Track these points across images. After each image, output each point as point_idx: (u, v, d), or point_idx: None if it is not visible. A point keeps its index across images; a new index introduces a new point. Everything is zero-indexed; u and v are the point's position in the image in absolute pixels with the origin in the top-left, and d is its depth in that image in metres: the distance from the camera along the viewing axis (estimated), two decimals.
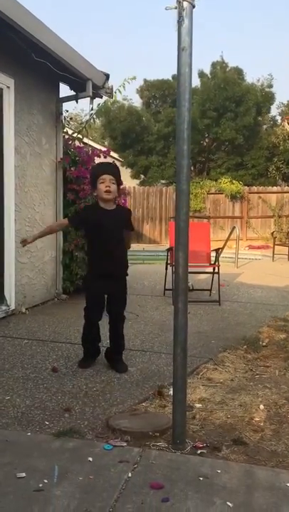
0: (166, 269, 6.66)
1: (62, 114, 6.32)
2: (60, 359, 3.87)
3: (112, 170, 3.58)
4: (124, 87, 6.76)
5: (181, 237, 2.46)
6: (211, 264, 6.80)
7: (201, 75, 19.45)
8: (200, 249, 6.72)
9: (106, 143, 20.64)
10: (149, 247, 14.51)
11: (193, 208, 16.06)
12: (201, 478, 2.18)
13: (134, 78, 6.98)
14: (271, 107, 20.40)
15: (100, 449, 2.41)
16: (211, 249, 6.96)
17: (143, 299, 6.50)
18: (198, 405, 3.03)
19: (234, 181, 16.84)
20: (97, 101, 6.68)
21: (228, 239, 10.36)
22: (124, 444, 2.48)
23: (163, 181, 20.03)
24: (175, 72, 2.45)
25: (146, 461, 2.31)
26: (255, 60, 49.37)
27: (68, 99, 6.27)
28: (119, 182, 3.60)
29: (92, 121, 7.03)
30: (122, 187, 7.40)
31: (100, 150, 7.48)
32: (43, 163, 5.90)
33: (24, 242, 3.71)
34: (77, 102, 6.30)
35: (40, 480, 2.13)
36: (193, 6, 2.36)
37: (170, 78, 19.63)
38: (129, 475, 2.19)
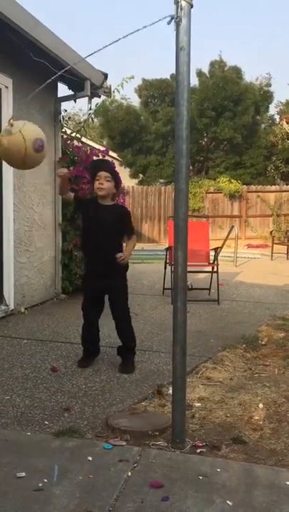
0: (165, 268, 6.67)
1: (60, 113, 6.32)
2: (60, 359, 3.87)
3: (107, 167, 3.66)
4: (122, 86, 6.76)
5: (180, 236, 2.46)
6: (209, 263, 6.81)
7: (200, 74, 19.44)
8: (199, 249, 6.72)
9: (104, 142, 20.63)
10: (148, 246, 14.51)
11: (192, 207, 16.07)
12: (201, 477, 2.18)
13: (133, 77, 6.98)
14: (270, 106, 20.43)
15: (100, 449, 2.42)
16: (210, 248, 6.96)
17: (142, 299, 6.50)
18: (197, 404, 3.03)
19: (233, 180, 16.86)
20: (96, 100, 6.68)
21: (226, 238, 10.34)
22: (124, 443, 2.49)
23: (162, 180, 20.03)
24: (173, 72, 2.45)
25: (145, 460, 2.31)
26: (253, 59, 49.38)
27: (67, 98, 6.26)
28: (116, 178, 3.64)
29: (90, 120, 7.03)
30: (120, 186, 7.41)
31: (99, 149, 7.49)
32: (42, 163, 5.89)
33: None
34: (75, 102, 6.31)
35: (40, 479, 2.13)
36: (192, 6, 2.36)
37: (168, 77, 19.62)
38: (129, 474, 2.19)
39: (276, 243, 12.22)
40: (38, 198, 5.81)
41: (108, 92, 6.35)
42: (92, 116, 7.09)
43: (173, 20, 2.35)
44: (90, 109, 6.68)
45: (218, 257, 6.76)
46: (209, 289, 6.79)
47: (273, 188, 17.15)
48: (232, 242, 11.03)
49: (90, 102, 6.41)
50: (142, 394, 3.19)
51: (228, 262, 10.17)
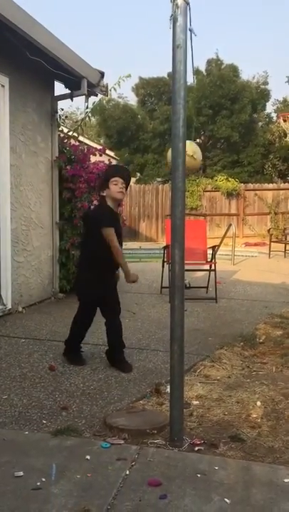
0: (163, 266, 6.67)
1: (57, 112, 6.30)
2: (58, 358, 3.87)
3: (126, 175, 3.67)
4: (119, 84, 6.74)
5: (177, 234, 2.46)
6: (207, 261, 6.81)
7: (197, 72, 19.41)
8: (196, 247, 6.73)
9: (102, 141, 20.61)
10: (145, 245, 14.50)
11: (190, 205, 16.07)
12: (199, 475, 2.18)
13: (129, 76, 6.96)
14: (266, 104, 20.45)
15: (98, 447, 2.42)
16: (208, 246, 6.97)
17: (140, 297, 6.50)
18: (195, 402, 3.04)
19: (230, 179, 16.86)
20: (93, 99, 6.67)
21: (224, 236, 10.36)
22: (122, 441, 2.49)
23: (159, 179, 20.03)
24: (170, 70, 2.45)
25: (143, 459, 2.32)
26: (250, 57, 49.39)
27: (63, 97, 6.25)
28: (127, 186, 3.69)
29: (87, 119, 7.01)
30: None
31: (96, 148, 7.47)
32: (38, 162, 5.89)
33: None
34: (72, 100, 6.29)
35: (38, 479, 2.13)
36: (188, 4, 2.36)
37: (165, 76, 19.60)
38: (127, 472, 2.19)
39: (274, 241, 12.23)
40: (35, 196, 5.81)
41: (105, 91, 6.34)
42: (89, 114, 7.07)
43: (169, 18, 2.35)
44: (87, 107, 6.67)
45: (216, 256, 6.76)
46: (207, 288, 6.79)
47: (271, 186, 17.17)
48: (229, 241, 11.04)
49: (86, 100, 6.39)
50: (140, 392, 3.20)
51: (225, 260, 10.18)
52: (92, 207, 5.94)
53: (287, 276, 8.37)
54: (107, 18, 59.90)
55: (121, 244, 3.59)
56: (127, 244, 12.86)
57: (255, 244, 14.71)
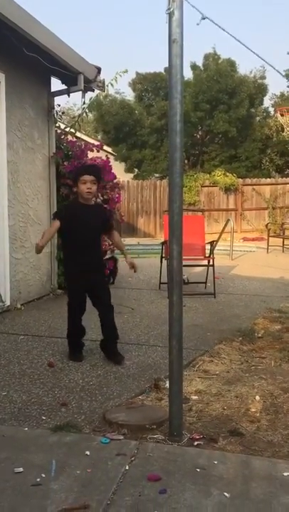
0: (161, 262, 6.67)
1: (54, 108, 6.28)
2: (56, 354, 3.87)
3: (94, 171, 3.80)
4: (116, 80, 6.71)
5: (175, 230, 2.46)
6: (205, 256, 6.81)
7: (194, 67, 19.36)
8: (194, 242, 6.72)
9: (99, 137, 20.55)
10: (143, 240, 14.49)
11: (188, 201, 16.05)
12: (198, 470, 2.19)
13: (126, 71, 6.93)
14: (264, 98, 20.39)
15: (97, 443, 2.42)
16: (206, 242, 6.96)
17: (138, 293, 6.50)
18: (194, 397, 3.04)
19: (228, 174, 16.83)
20: (89, 95, 6.64)
21: (222, 231, 10.37)
22: (121, 437, 2.49)
23: (157, 175, 19.98)
24: (167, 65, 2.44)
25: (143, 454, 2.32)
26: (247, 51, 49.18)
27: (60, 93, 6.23)
28: (99, 180, 3.84)
29: (84, 115, 6.99)
30: (115, 181, 7.40)
31: (93, 144, 7.45)
32: (35, 158, 5.87)
33: (38, 248, 3.63)
34: (68, 96, 6.27)
35: (38, 474, 2.13)
36: None
37: (162, 71, 19.53)
38: (127, 468, 2.20)
39: (272, 236, 12.23)
40: (32, 193, 5.79)
41: (102, 86, 6.31)
42: (86, 110, 7.05)
43: (165, 13, 2.34)
44: (84, 103, 6.64)
45: (214, 251, 6.76)
46: (205, 283, 6.79)
47: (268, 180, 17.15)
48: (228, 236, 11.04)
49: (83, 96, 6.37)
50: (139, 388, 3.20)
51: (224, 255, 10.17)
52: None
53: (285, 271, 8.38)
54: (104, 14, 59.64)
55: (88, 232, 3.68)
56: (126, 240, 12.85)
57: (254, 239, 14.71)
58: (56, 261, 6.29)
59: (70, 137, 6.83)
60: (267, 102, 21.71)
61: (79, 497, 1.97)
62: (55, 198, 6.22)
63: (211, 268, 6.54)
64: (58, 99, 6.36)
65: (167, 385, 2.84)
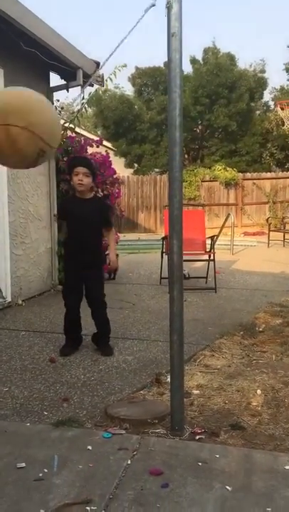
0: (162, 257, 6.66)
1: (53, 103, 6.26)
2: (58, 350, 3.87)
3: (86, 163, 3.78)
4: (115, 75, 6.67)
5: (175, 224, 2.46)
6: (206, 251, 6.80)
7: (193, 61, 19.28)
8: (195, 237, 6.72)
9: (99, 132, 20.50)
10: (144, 236, 14.49)
11: (188, 196, 16.03)
12: (200, 463, 2.20)
13: (125, 66, 6.87)
14: (264, 92, 20.31)
15: (99, 438, 2.43)
16: (206, 236, 6.96)
17: (139, 288, 6.50)
18: (195, 392, 3.05)
19: (228, 168, 16.79)
20: (89, 90, 6.63)
21: (223, 226, 10.34)
22: (123, 431, 2.50)
23: (157, 170, 19.95)
24: (166, 59, 2.43)
25: (145, 448, 2.33)
26: (247, 45, 49.03)
27: (59, 88, 6.21)
28: (94, 173, 3.78)
29: (83, 110, 6.96)
30: (115, 176, 7.38)
31: (93, 139, 7.43)
32: None
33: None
34: (68, 91, 6.24)
35: (40, 469, 2.14)
36: None
37: (162, 65, 19.45)
38: (129, 462, 2.20)
39: (272, 230, 12.22)
40: (32, 189, 5.79)
41: (101, 81, 6.29)
42: (86, 105, 7.02)
43: (164, 6, 2.32)
44: (83, 98, 6.61)
45: (215, 246, 6.76)
46: (206, 278, 6.79)
47: (269, 175, 17.12)
48: (228, 230, 11.03)
49: (82, 91, 6.34)
50: (141, 382, 3.21)
51: (224, 250, 10.17)
52: None
53: (286, 265, 8.37)
54: (100, 6, 59.31)
55: (86, 226, 3.70)
56: (126, 236, 12.85)
57: (254, 234, 14.70)
58: (57, 257, 6.29)
59: (69, 133, 6.81)
60: (267, 96, 21.65)
61: (81, 491, 1.98)
62: (55, 194, 6.21)
63: (211, 263, 6.54)
64: (57, 95, 6.34)
65: (168, 379, 2.85)
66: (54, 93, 6.29)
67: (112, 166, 6.94)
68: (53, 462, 2.20)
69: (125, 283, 6.85)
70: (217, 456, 2.27)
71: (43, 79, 6.05)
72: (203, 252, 6.83)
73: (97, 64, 6.11)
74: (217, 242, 7.13)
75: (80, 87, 6.07)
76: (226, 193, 16.73)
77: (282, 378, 3.27)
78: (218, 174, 16.55)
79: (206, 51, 19.41)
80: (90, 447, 2.33)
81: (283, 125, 18.26)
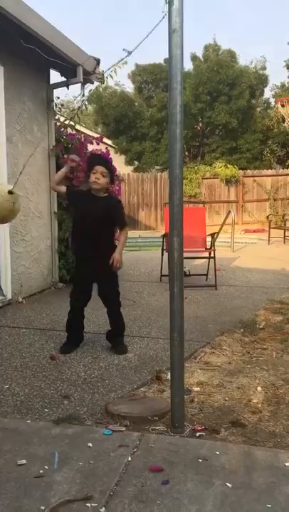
0: (162, 255, 6.66)
1: (53, 100, 6.25)
2: (58, 347, 3.87)
3: (105, 163, 3.75)
4: (115, 72, 6.65)
5: (175, 221, 2.45)
6: (206, 249, 6.80)
7: (194, 58, 19.23)
8: (195, 234, 6.71)
9: (99, 129, 20.45)
10: (144, 233, 14.48)
11: (188, 193, 16.01)
12: (200, 460, 2.20)
13: (126, 63, 6.86)
14: (265, 89, 20.27)
15: (100, 435, 2.43)
16: (207, 233, 6.95)
17: (140, 286, 6.50)
18: (196, 389, 3.05)
19: (229, 165, 16.77)
20: (89, 87, 6.59)
21: (223, 223, 10.34)
22: (124, 428, 2.50)
23: (157, 167, 19.91)
24: (167, 56, 2.42)
25: (145, 445, 2.33)
26: (248, 42, 48.86)
27: (59, 85, 6.19)
28: (112, 175, 3.77)
29: (84, 107, 6.94)
30: (116, 174, 7.37)
31: (93, 137, 7.42)
32: (35, 151, 5.85)
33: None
34: (68, 88, 6.23)
35: (41, 466, 2.14)
36: None
37: (162, 62, 19.40)
38: (129, 459, 2.21)
39: (273, 228, 12.21)
40: (32, 186, 5.78)
41: (101, 78, 6.27)
42: (86, 103, 7.00)
43: (165, 2, 2.31)
44: (83, 95, 6.60)
45: (215, 243, 6.75)
46: (207, 275, 6.79)
47: (270, 172, 17.09)
48: (229, 228, 11.02)
49: (82, 88, 6.33)
50: (141, 380, 3.21)
51: (225, 247, 10.17)
52: None
53: (286, 263, 8.37)
54: (104, 5, 59.15)
55: (96, 224, 3.63)
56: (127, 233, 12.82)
57: (255, 231, 14.69)
58: (57, 254, 6.29)
59: (69, 130, 6.80)
60: (267, 93, 21.62)
61: (82, 488, 1.99)
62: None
63: (212, 260, 6.53)
64: (57, 92, 6.33)
65: (169, 376, 2.85)
66: (54, 90, 6.26)
67: (113, 164, 6.92)
68: (54, 459, 2.21)
69: (126, 280, 6.84)
70: (217, 453, 2.27)
71: (43, 76, 6.04)
72: (203, 249, 6.82)
73: (98, 61, 6.09)
74: (217, 240, 7.13)
75: (80, 84, 6.05)
76: (227, 190, 16.71)
77: (282, 375, 3.27)
78: (219, 171, 16.53)
79: (206, 48, 19.37)
80: (90, 444, 2.33)
81: (284, 122, 18.23)
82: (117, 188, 7.14)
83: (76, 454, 2.24)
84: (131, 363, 3.54)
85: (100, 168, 3.62)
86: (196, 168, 16.91)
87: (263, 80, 19.50)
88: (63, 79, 6.13)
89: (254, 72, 19.27)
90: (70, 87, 6.15)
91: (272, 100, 21.61)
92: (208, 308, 5.27)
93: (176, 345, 2.50)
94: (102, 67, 6.19)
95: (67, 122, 6.91)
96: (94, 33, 53.88)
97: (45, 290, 6.09)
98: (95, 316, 4.57)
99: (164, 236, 6.66)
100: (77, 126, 7.36)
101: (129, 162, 20.42)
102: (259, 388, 3.05)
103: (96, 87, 7.11)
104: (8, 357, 3.68)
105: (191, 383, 3.12)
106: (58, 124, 6.69)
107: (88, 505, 1.88)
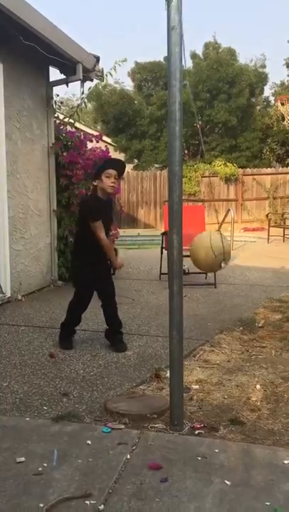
0: (162, 253, 6.66)
1: (52, 98, 6.24)
2: (57, 345, 3.88)
3: (121, 167, 3.73)
4: (115, 69, 6.66)
5: (174, 219, 2.45)
6: None
7: (194, 56, 19.19)
8: (195, 233, 6.70)
9: (98, 127, 20.42)
10: (144, 231, 14.47)
11: (188, 191, 15.99)
12: (199, 458, 2.20)
13: (125, 60, 6.88)
14: (264, 87, 20.24)
15: (99, 432, 2.43)
16: None
17: (139, 284, 6.50)
18: (195, 387, 3.05)
19: (228, 164, 16.74)
20: (88, 84, 6.59)
21: (222, 222, 10.30)
22: (123, 426, 2.50)
23: (157, 165, 19.88)
24: (166, 54, 2.41)
25: (144, 443, 2.33)
26: (248, 40, 48.81)
27: (58, 83, 6.18)
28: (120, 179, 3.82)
29: (83, 105, 6.94)
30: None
31: (92, 134, 7.41)
32: (34, 149, 5.84)
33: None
34: (67, 86, 6.21)
35: (40, 464, 2.15)
36: None
37: (162, 60, 19.36)
38: (128, 457, 2.21)
39: (272, 226, 12.19)
40: (32, 184, 5.77)
41: (101, 76, 6.26)
42: (85, 100, 6.99)
43: None
44: (83, 93, 6.59)
45: None
46: (206, 273, 6.79)
47: (269, 170, 17.07)
48: (228, 226, 11.00)
49: (82, 85, 6.32)
50: (140, 378, 3.21)
51: None
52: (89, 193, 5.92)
53: (286, 261, 8.37)
54: (104, 3, 59.02)
55: (109, 229, 3.74)
56: (126, 231, 12.83)
57: (254, 230, 14.68)
58: (56, 252, 6.28)
59: (69, 127, 6.79)
60: (267, 91, 21.59)
61: (81, 486, 1.99)
62: (55, 189, 6.20)
63: None
64: (56, 89, 6.32)
65: (168, 374, 2.85)
66: (54, 88, 6.25)
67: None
68: (53, 456, 2.21)
69: (125, 278, 6.84)
70: (216, 450, 2.27)
71: (42, 73, 6.03)
72: None
73: (97, 58, 6.08)
74: None
75: (79, 81, 6.04)
76: (226, 188, 16.69)
77: (281, 373, 3.27)
78: (218, 170, 16.50)
79: (206, 46, 19.33)
80: (89, 442, 2.33)
81: (283, 120, 18.19)
82: (117, 186, 7.12)
83: (75, 452, 2.24)
84: (130, 360, 3.54)
85: (113, 172, 3.61)
86: (195, 166, 16.88)
87: (262, 78, 19.47)
88: (63, 76, 6.11)
89: (254, 70, 19.24)
90: (70, 84, 6.14)
91: (271, 98, 21.58)
92: (208, 306, 5.27)
93: (176, 343, 2.50)
94: (101, 65, 6.19)
95: (66, 120, 6.90)
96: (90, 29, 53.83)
97: (45, 288, 6.09)
98: (94, 314, 4.56)
99: (163, 234, 6.66)
100: (77, 124, 7.34)
101: (128, 160, 20.39)
102: (258, 386, 3.05)
103: (95, 85, 7.09)
104: (7, 354, 3.68)
105: (190, 381, 3.12)
106: (58, 121, 6.68)
107: (87, 502, 1.88)
